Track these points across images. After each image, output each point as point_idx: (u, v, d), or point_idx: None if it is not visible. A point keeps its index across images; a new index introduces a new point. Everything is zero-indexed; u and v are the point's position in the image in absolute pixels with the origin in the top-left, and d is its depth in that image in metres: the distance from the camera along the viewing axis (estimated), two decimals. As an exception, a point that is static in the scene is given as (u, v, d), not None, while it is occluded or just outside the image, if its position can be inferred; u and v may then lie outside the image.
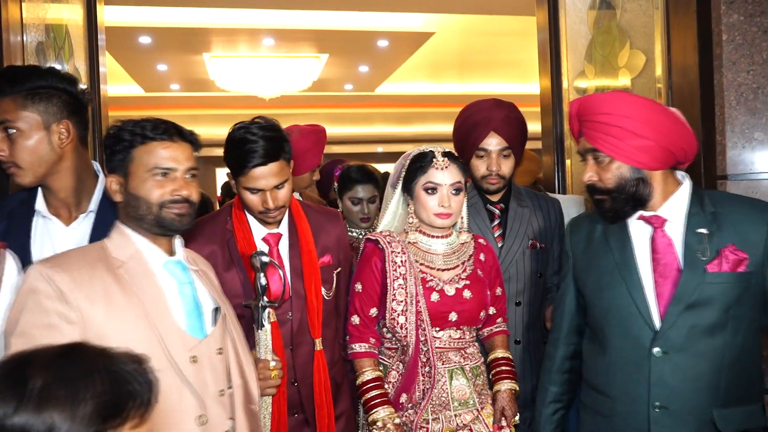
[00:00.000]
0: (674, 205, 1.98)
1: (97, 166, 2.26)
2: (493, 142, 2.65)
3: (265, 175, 2.17)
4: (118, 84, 11.29)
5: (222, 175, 18.19)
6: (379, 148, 16.85)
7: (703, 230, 1.92)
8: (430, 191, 2.32)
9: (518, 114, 2.73)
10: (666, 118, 1.94)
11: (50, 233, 2.14)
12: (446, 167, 2.31)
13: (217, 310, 1.91)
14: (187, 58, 10.43)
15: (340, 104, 14.44)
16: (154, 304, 1.74)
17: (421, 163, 2.35)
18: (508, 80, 12.13)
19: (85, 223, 2.15)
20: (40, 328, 1.62)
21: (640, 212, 2.00)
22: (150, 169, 1.76)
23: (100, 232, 2.01)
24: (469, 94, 12.63)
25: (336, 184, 3.47)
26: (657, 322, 1.93)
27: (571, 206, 3.13)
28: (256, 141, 2.15)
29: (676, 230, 1.97)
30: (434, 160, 2.33)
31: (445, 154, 2.35)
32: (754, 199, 2.07)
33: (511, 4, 7.55)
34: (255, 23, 8.85)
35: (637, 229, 2.02)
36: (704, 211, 1.95)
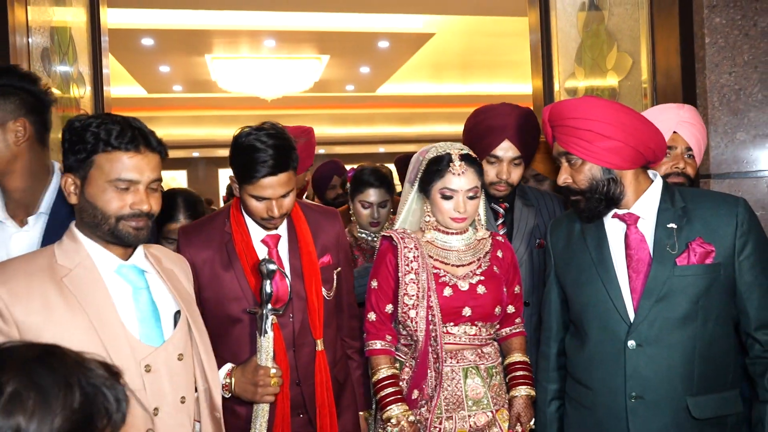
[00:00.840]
0: (646, 202, 2.05)
1: (56, 165, 2.19)
2: (506, 150, 2.58)
3: (273, 185, 2.13)
4: (120, 85, 11.37)
5: (224, 175, 18.27)
6: (381, 149, 16.91)
7: (673, 225, 1.98)
8: (446, 197, 2.31)
9: (534, 121, 2.66)
10: (633, 120, 2.01)
11: (3, 236, 2.09)
12: (463, 173, 2.28)
13: (177, 314, 1.83)
14: (189, 60, 10.49)
15: (342, 105, 14.51)
16: (100, 314, 1.65)
17: (438, 167, 2.31)
18: (510, 80, 12.17)
19: (37, 226, 2.08)
20: None
21: (615, 210, 2.07)
22: (111, 180, 1.65)
23: (52, 234, 1.94)
24: (471, 95, 12.73)
25: (349, 185, 3.39)
26: (631, 316, 1.99)
27: None
28: (266, 150, 2.10)
29: (648, 226, 2.03)
30: (451, 164, 2.29)
31: (463, 158, 2.31)
32: (724, 194, 2.13)
33: (509, 5, 7.61)
34: (256, 25, 8.91)
35: (613, 227, 2.08)
36: (674, 206, 2.01)
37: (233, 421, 2.25)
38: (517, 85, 12.04)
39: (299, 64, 10.77)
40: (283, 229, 2.35)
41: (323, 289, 2.33)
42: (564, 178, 2.07)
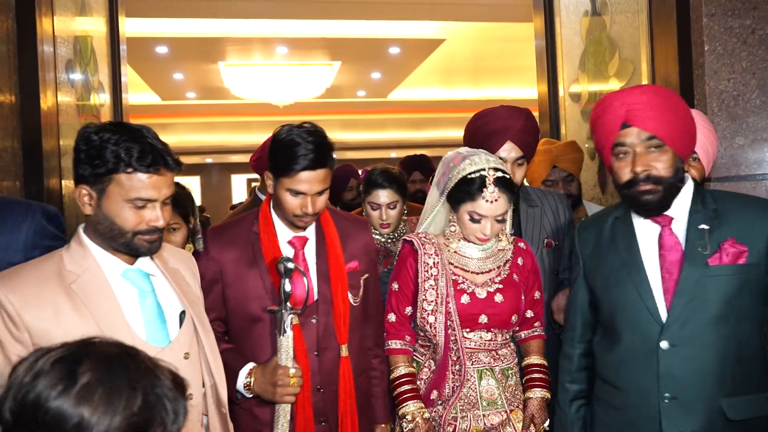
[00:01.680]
0: (679, 203, 2.03)
1: None
2: (509, 151, 2.59)
3: (311, 179, 2.16)
4: (135, 93, 11.49)
5: (237, 181, 18.39)
6: (393, 154, 16.94)
7: (705, 226, 1.97)
8: (474, 220, 2.29)
9: (534, 122, 2.70)
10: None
11: None
12: (495, 200, 2.24)
13: (182, 314, 1.87)
14: (202, 67, 10.61)
15: (353, 110, 14.58)
16: (107, 319, 1.70)
17: (469, 188, 2.27)
18: (520, 85, 12.19)
19: None
20: None
21: None
22: (130, 199, 1.69)
23: None
24: (482, 99, 12.78)
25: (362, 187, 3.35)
26: (664, 317, 1.97)
27: None
28: (307, 145, 2.14)
29: (680, 228, 2.02)
30: (484, 189, 2.24)
31: (497, 182, 2.25)
32: (756, 196, 2.16)
33: (519, 12, 7.66)
34: (269, 32, 9.01)
35: (644, 228, 2.07)
36: (706, 208, 2.00)
37: (254, 425, 2.27)
38: (527, 89, 12.06)
39: (311, 71, 10.87)
40: (311, 232, 2.36)
41: (350, 295, 2.33)
42: (645, 164, 1.99)
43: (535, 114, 3.60)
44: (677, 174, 1.99)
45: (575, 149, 3.27)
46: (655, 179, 1.97)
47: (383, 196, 3.16)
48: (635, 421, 2.02)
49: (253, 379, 2.17)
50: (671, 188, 1.99)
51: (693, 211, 2.01)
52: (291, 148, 2.15)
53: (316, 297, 2.29)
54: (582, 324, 2.25)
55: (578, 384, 2.26)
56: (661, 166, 1.97)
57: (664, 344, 1.95)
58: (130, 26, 5.46)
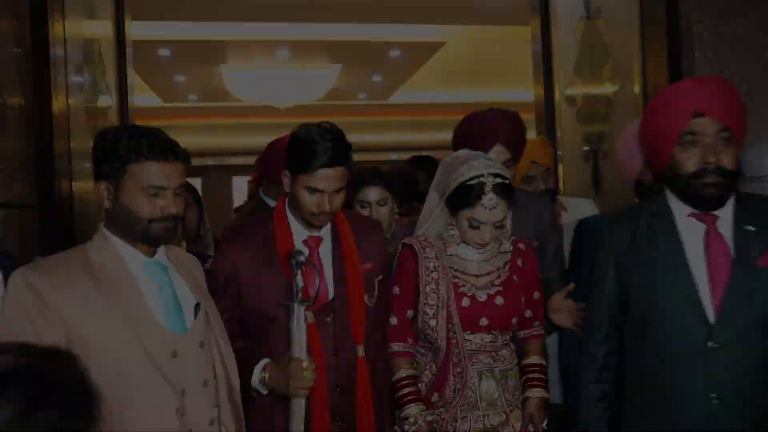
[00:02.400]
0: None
1: None
2: (498, 153, 2.62)
3: (329, 177, 2.18)
4: (137, 95, 11.46)
5: (238, 183, 18.39)
6: (393, 156, 16.95)
7: (751, 227, 1.96)
8: (473, 226, 2.29)
9: (522, 125, 2.72)
10: None
11: None
12: (494, 207, 2.24)
13: (197, 305, 1.96)
14: (204, 70, 10.63)
15: (354, 113, 14.55)
16: (132, 306, 1.79)
17: (468, 196, 2.26)
18: (521, 88, 12.17)
19: None
20: (20, 326, 1.69)
21: (691, 209, 2.04)
22: (143, 187, 1.79)
23: None
24: (483, 102, 12.67)
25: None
26: (711, 317, 1.93)
27: (586, 209, 3.25)
28: (325, 143, 2.17)
29: (726, 228, 2.00)
30: (483, 197, 2.23)
31: (496, 189, 2.24)
32: None
33: (519, 15, 7.69)
34: (270, 35, 9.03)
35: (687, 227, 2.03)
36: (748, 210, 1.99)
37: (267, 427, 2.27)
38: (526, 92, 12.08)
39: (312, 74, 10.88)
40: (326, 233, 2.37)
41: (365, 296, 2.34)
42: (717, 155, 1.95)
43: (532, 117, 3.69)
44: (739, 169, 1.99)
45: (548, 143, 3.44)
46: (723, 171, 1.94)
47: (372, 193, 3.03)
48: (677, 423, 1.99)
49: (267, 374, 2.18)
50: (732, 183, 1.97)
51: (737, 211, 2.00)
52: (309, 145, 2.18)
53: (331, 297, 2.32)
54: (609, 323, 2.19)
55: (602, 384, 2.20)
56: (728, 159, 1.95)
57: (711, 344, 1.92)
58: (132, 29, 5.54)
